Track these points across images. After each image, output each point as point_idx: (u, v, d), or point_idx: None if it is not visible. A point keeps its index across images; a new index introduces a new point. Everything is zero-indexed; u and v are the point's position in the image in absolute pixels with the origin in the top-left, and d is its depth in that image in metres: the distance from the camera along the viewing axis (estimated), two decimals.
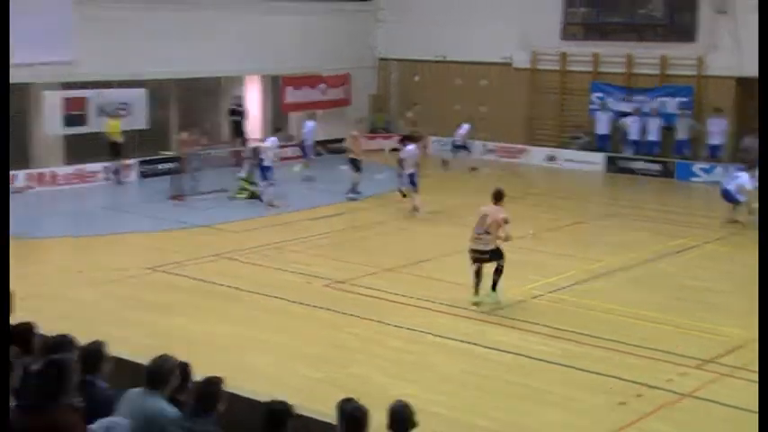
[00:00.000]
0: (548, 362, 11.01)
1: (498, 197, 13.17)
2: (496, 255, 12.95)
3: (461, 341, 11.74)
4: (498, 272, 12.98)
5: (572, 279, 14.70)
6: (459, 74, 29.93)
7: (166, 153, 24.38)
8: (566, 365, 10.87)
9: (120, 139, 23.50)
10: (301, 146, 25.34)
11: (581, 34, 28.08)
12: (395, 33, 30.66)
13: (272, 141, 21.49)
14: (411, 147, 20.75)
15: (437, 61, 30.06)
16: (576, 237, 18.17)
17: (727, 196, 19.17)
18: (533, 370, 10.82)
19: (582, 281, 14.70)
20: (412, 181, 20.21)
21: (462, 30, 28.88)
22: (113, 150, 23.67)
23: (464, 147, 26.92)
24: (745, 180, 19.01)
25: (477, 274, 13.10)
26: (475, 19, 28.52)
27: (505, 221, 12.88)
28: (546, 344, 11.67)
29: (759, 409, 4.46)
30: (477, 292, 13.15)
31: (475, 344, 11.61)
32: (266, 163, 20.77)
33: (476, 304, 13.07)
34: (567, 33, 28.09)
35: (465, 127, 26.73)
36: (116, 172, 23.76)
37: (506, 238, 12.89)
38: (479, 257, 13.03)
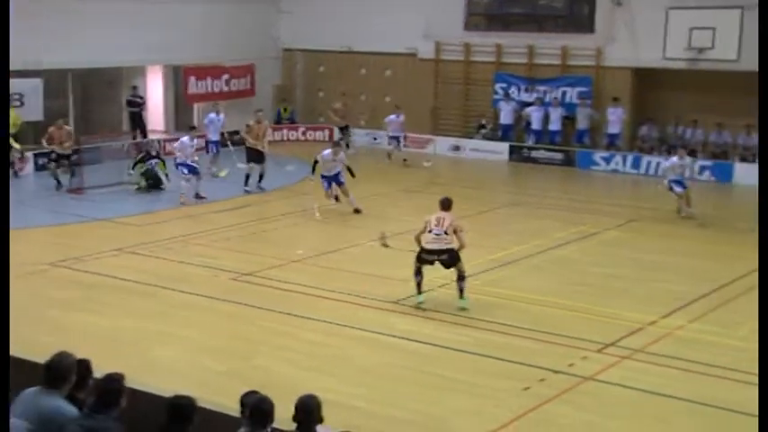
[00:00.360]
0: (458, 350, 11.12)
1: (448, 205, 12.81)
2: (456, 257, 12.51)
3: (374, 332, 11.74)
4: (462, 278, 12.62)
5: (478, 267, 14.84)
6: (364, 64, 29.99)
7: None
8: (474, 353, 10.99)
9: (13, 130, 22.44)
10: (205, 141, 23.97)
11: (484, 25, 28.43)
12: (299, 24, 30.49)
13: (183, 142, 20.53)
14: (327, 152, 19.71)
15: (342, 52, 30.04)
16: (482, 226, 18.36)
17: (679, 185, 19.45)
18: (445, 359, 10.91)
19: (488, 269, 14.89)
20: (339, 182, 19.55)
21: (367, 20, 28.92)
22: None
23: (399, 137, 26.40)
24: (672, 162, 19.59)
25: (419, 272, 12.73)
26: (379, 9, 28.59)
27: (461, 229, 12.62)
28: (456, 332, 11.79)
29: (759, 408, 4.55)
30: (420, 291, 12.78)
31: (388, 335, 11.62)
32: (180, 160, 20.25)
33: (420, 304, 12.73)
34: (470, 24, 28.41)
35: (401, 116, 26.29)
36: (11, 165, 22.84)
37: (462, 246, 12.54)
38: (437, 258, 12.57)
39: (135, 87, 27.29)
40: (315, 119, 30.98)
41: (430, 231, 12.54)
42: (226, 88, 28.88)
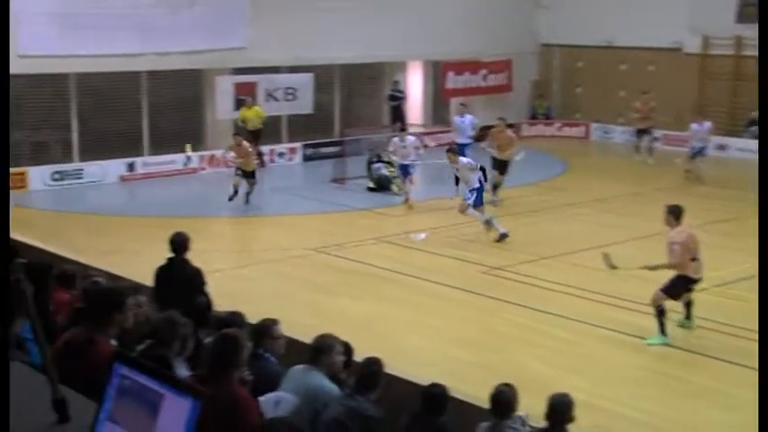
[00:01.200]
0: (712, 357, 10.63)
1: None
2: None
3: (625, 333, 11.41)
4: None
5: (738, 274, 14.05)
6: (625, 59, 29.13)
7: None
8: (730, 361, 10.43)
9: (257, 126, 23.32)
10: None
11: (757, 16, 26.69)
12: (558, 18, 30.08)
13: (394, 143, 20.11)
14: (411, 139, 19.95)
15: (602, 47, 29.34)
16: (747, 229, 17.35)
17: None
18: (698, 365, 10.47)
19: (751, 276, 14.02)
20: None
21: (630, 13, 28.01)
22: (253, 137, 22.89)
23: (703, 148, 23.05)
24: None
25: (688, 303, 11.55)
26: (643, 2, 27.63)
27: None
28: (711, 338, 11.27)
29: (759, 407, 4.22)
30: (689, 316, 11.64)
31: (638, 337, 11.28)
32: (401, 161, 19.75)
33: (682, 326, 11.66)
34: (743, 15, 26.77)
35: (705, 124, 23.17)
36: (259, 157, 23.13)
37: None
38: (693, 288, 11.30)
39: (396, 82, 28.15)
40: (571, 115, 30.55)
41: (694, 259, 11.07)
42: (483, 83, 29.12)
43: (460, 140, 21.71)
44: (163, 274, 9.01)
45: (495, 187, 19.35)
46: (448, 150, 17.62)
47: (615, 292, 13.07)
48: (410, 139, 20.09)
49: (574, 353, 10.85)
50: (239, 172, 19.32)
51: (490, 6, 28.72)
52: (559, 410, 6.13)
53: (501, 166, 19.63)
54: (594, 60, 29.82)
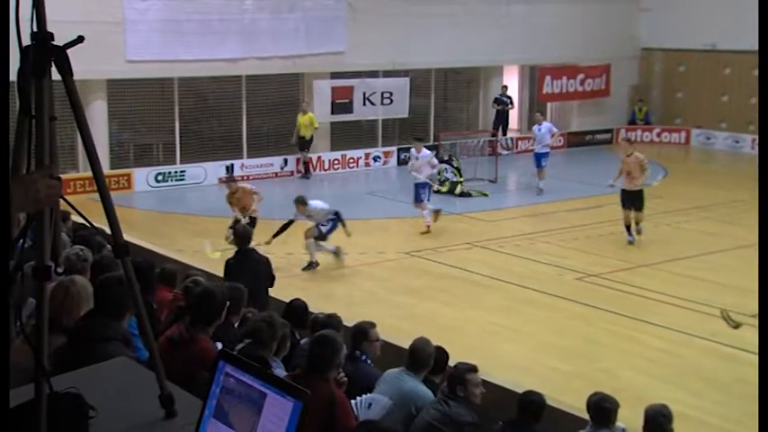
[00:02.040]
0: None
1: None
2: None
3: (729, 346, 11.05)
4: None
5: None
6: (729, 63, 28.33)
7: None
8: None
9: (307, 134, 23.04)
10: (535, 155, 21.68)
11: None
12: (659, 21, 29.42)
13: (424, 155, 17.58)
14: (426, 153, 17.64)
15: (705, 50, 28.61)
16: None
17: None
18: None
19: None
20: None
21: (734, 16, 27.21)
22: (301, 145, 23.16)
23: None
24: None
25: None
26: (749, 3, 26.68)
27: None
28: None
29: (759, 406, 4.02)
30: None
31: (743, 350, 10.91)
32: (418, 179, 17.37)
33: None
34: None
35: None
36: (305, 166, 23.30)
37: None
38: None
39: (504, 87, 27.92)
40: (671, 120, 29.88)
41: None
42: (580, 88, 28.73)
43: (539, 150, 21.24)
44: (232, 265, 9.83)
45: (629, 227, 16.28)
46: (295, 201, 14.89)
47: (715, 302, 12.73)
48: (425, 153, 17.58)
49: (672, 363, 10.61)
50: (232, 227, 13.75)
51: (589, 9, 28.31)
52: (657, 422, 6.02)
53: (635, 199, 16.30)
54: (696, 64, 29.09)
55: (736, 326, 9.94)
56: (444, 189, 20.92)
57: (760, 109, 5.43)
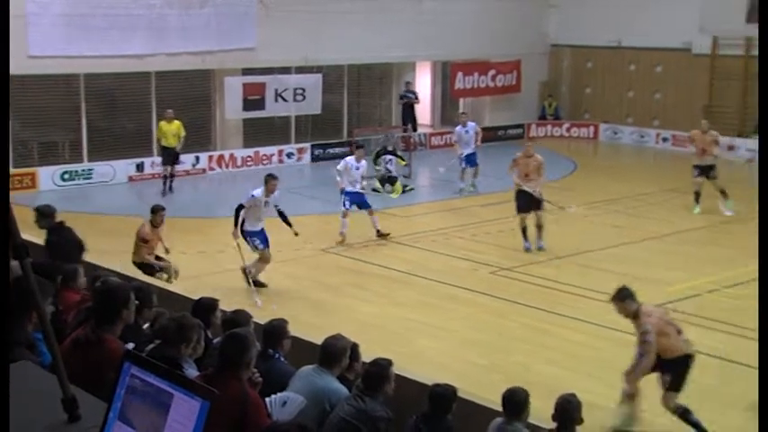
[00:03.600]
0: (730, 361, 10.53)
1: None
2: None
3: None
4: None
5: (750, 275, 14.02)
6: (633, 60, 29.06)
7: None
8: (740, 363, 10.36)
9: (175, 144, 20.83)
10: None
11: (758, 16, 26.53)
12: (567, 19, 30.01)
13: (347, 162, 16.60)
14: (350, 159, 16.65)
15: (611, 47, 29.27)
16: (754, 230, 17.30)
17: None
18: (717, 368, 10.36)
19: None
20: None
21: (639, 14, 27.94)
22: (167, 158, 20.86)
23: None
24: None
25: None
26: (653, 2, 27.54)
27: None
28: (737, 343, 11.09)
29: (759, 406, 4.19)
30: None
31: None
32: (346, 187, 16.39)
33: None
34: (754, 16, 26.66)
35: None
36: (169, 180, 20.98)
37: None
38: None
39: (408, 83, 28.10)
40: (579, 115, 30.49)
41: (679, 332, 8.78)
42: (492, 84, 29.09)
43: (466, 151, 20.74)
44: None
45: (525, 231, 15.74)
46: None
47: None
48: (363, 164, 16.69)
49: (586, 355, 10.79)
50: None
51: (499, 6, 28.67)
52: (567, 411, 6.10)
53: (534, 202, 15.82)
54: (603, 61, 29.77)
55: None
56: (377, 186, 20.64)
57: (760, 108, 5.55)
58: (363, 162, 16.64)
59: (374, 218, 16.52)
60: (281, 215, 13.43)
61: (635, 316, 8.52)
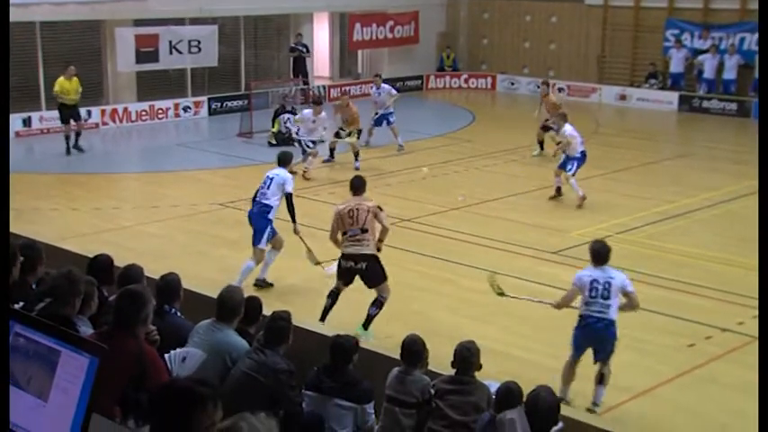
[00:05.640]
0: None
1: (359, 187, 10.38)
2: (378, 271, 10.05)
3: (534, 282, 11.54)
4: (379, 305, 9.98)
5: (642, 220, 14.51)
6: (529, 11, 29.38)
7: None
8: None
9: (76, 100, 19.92)
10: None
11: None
12: None
13: (304, 114, 18.40)
14: (307, 112, 18.27)
15: None
16: (647, 177, 17.85)
17: None
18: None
19: (653, 222, 14.49)
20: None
21: None
22: (69, 114, 19.85)
23: None
24: None
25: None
26: None
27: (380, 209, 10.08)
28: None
29: (759, 406, 4.40)
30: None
31: (548, 285, 11.32)
32: (296, 134, 18.25)
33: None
34: None
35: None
36: (72, 136, 20.10)
37: (383, 232, 10.14)
38: (355, 266, 10.05)
39: (299, 35, 27.73)
40: (477, 66, 30.73)
41: (345, 233, 9.95)
42: (390, 35, 28.99)
43: (383, 111, 20.42)
44: None
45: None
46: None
47: (522, 242, 13.30)
48: (323, 116, 17.90)
49: (483, 302, 10.95)
50: None
51: None
52: (465, 358, 6.19)
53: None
54: (499, 12, 30.01)
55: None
56: (276, 141, 20.19)
57: (760, 107, 5.67)
58: (323, 114, 17.93)
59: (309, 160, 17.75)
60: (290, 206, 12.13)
61: None
